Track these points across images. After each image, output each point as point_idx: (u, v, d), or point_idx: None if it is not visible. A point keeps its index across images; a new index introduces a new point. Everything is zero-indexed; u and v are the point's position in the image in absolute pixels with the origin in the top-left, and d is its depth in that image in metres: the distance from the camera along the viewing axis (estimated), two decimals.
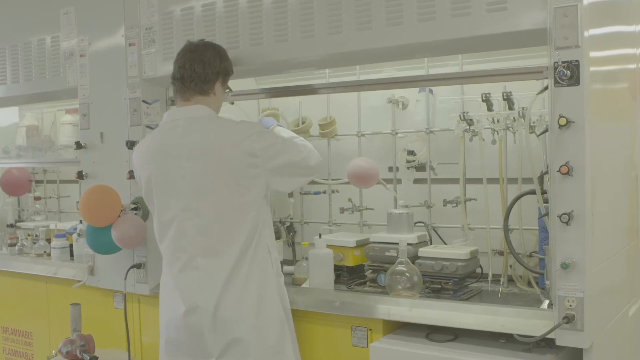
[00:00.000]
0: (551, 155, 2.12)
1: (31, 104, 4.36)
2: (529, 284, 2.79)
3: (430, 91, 3.12)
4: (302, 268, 3.11)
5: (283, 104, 3.56)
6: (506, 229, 2.70)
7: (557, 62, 2.07)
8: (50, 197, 4.68)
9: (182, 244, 2.43)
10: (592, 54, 2.10)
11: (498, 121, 2.80)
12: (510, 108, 2.79)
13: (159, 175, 2.46)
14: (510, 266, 2.87)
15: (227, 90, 2.60)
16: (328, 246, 3.01)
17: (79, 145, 3.33)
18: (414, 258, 2.81)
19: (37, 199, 4.59)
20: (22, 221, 4.63)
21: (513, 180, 2.83)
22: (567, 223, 2.04)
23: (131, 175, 3.06)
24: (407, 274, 2.65)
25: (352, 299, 2.61)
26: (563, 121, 2.04)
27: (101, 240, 2.98)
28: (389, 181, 3.19)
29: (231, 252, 2.37)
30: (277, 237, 3.11)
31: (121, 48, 3.15)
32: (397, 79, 2.75)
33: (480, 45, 2.31)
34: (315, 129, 3.42)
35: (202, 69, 2.46)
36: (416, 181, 3.26)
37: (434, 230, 3.15)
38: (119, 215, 2.93)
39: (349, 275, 3.04)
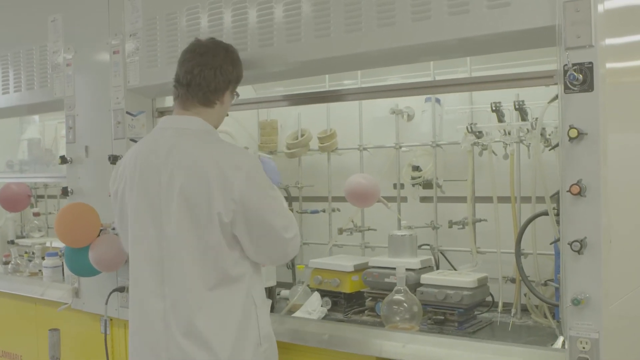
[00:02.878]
0: (561, 173, 1.84)
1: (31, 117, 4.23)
2: (546, 315, 2.48)
3: (438, 101, 2.86)
4: (296, 293, 2.87)
5: (282, 115, 3.33)
6: (518, 254, 2.41)
7: (567, 65, 1.79)
8: (51, 213, 4.52)
9: (152, 270, 2.11)
10: (609, 55, 1.81)
11: (509, 133, 2.52)
12: (523, 119, 2.51)
13: (135, 186, 2.14)
14: (525, 295, 2.57)
15: (235, 95, 2.26)
16: (323, 270, 2.77)
17: (63, 160, 3.15)
18: (416, 285, 2.54)
19: (35, 214, 4.43)
20: (23, 237, 4.48)
21: (527, 199, 2.54)
22: (578, 252, 1.75)
23: None
24: (405, 304, 2.38)
25: (343, 331, 2.34)
26: (574, 133, 1.75)
27: (80, 262, 2.77)
28: (392, 199, 2.92)
29: (197, 294, 2.02)
30: None
31: (106, 56, 2.96)
32: (392, 86, 2.47)
33: (481, 46, 2.04)
34: (315, 143, 3.17)
35: (212, 77, 2.10)
36: (423, 200, 2.99)
37: (441, 253, 2.87)
38: (99, 235, 2.73)
39: (346, 303, 2.77)
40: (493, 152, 2.63)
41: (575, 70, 1.77)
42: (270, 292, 2.86)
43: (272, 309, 2.85)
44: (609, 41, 1.83)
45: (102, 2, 2.97)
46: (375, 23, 2.14)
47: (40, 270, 3.72)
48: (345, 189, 2.71)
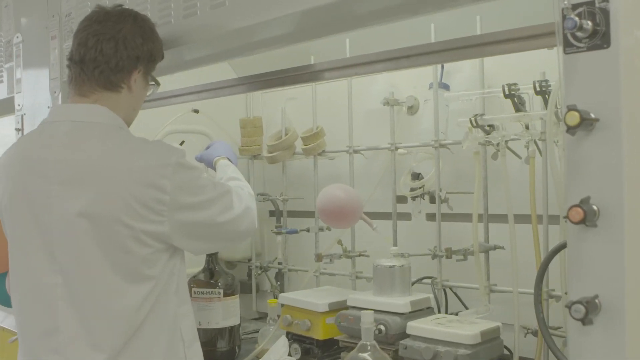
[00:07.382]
0: (565, 185, 1.13)
1: None
2: None
3: (445, 87, 2.16)
4: (267, 334, 2.26)
5: (267, 112, 2.73)
6: (537, 298, 1.67)
7: (565, 8, 1.08)
8: None
9: (38, 315, 1.58)
10: None
11: (527, 127, 1.80)
12: None
13: (14, 201, 1.62)
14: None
15: (152, 84, 1.75)
16: (293, 309, 2.15)
17: None
18: (401, 335, 1.87)
19: None
20: None
21: (556, 219, 1.80)
22: (583, 321, 1.04)
23: None
24: None
25: None
26: (573, 118, 1.04)
27: (2, 290, 2.29)
28: (384, 216, 2.26)
29: (112, 340, 1.52)
30: (229, 293, 2.26)
31: (46, 43, 2.49)
32: (365, 57, 1.76)
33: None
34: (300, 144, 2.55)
35: (113, 51, 1.61)
36: (430, 217, 2.29)
37: (450, 290, 2.16)
38: None
39: (320, 351, 2.13)
40: (512, 152, 1.91)
41: (578, 15, 1.06)
42: (230, 333, 2.27)
43: (236, 354, 2.29)
44: None
45: None
46: None
47: None
48: (318, 205, 2.08)
